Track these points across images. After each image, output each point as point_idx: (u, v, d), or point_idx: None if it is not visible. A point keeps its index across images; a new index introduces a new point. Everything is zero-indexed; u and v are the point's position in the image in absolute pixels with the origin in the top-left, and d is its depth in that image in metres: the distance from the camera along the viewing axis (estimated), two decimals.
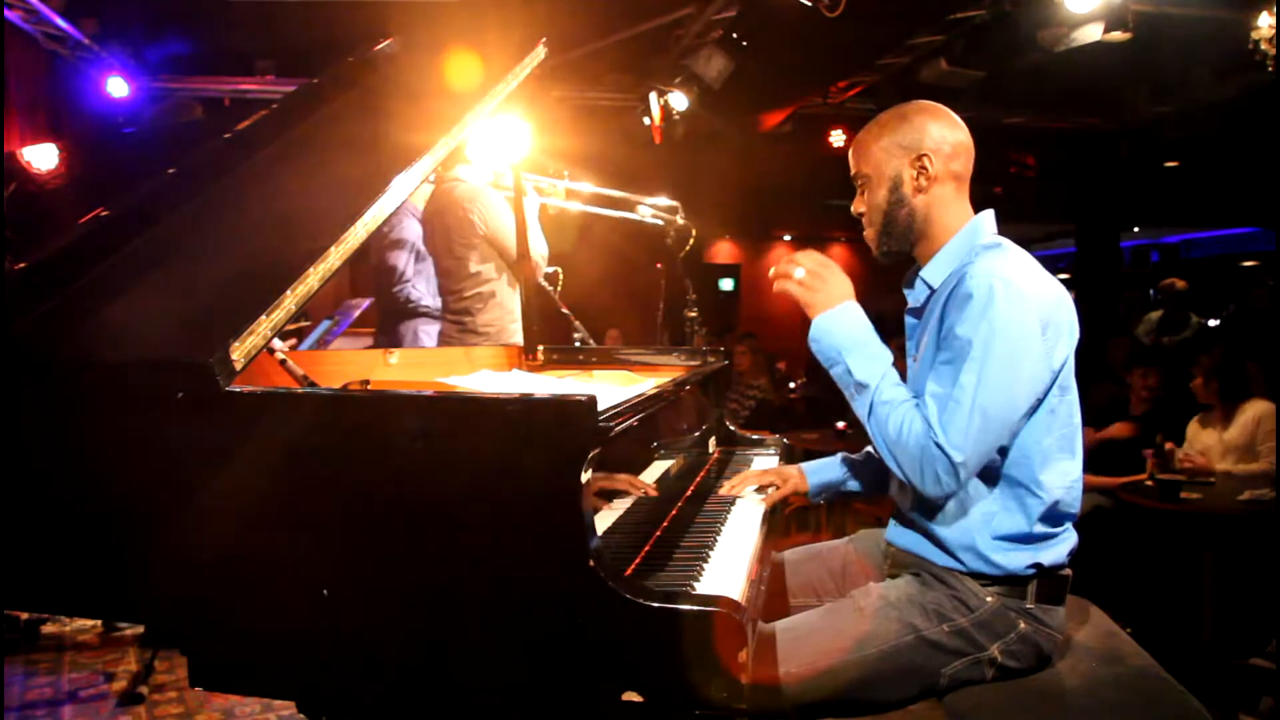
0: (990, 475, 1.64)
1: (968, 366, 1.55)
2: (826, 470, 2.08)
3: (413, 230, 3.99)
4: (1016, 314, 1.54)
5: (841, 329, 1.70)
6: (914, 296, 1.81)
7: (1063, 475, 1.65)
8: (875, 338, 1.70)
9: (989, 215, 1.75)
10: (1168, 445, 4.04)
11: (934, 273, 1.74)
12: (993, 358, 1.53)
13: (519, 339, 3.28)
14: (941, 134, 1.71)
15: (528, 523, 1.27)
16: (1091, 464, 4.28)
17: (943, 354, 1.61)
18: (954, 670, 1.61)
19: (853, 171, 1.80)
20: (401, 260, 4.13)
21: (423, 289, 4.11)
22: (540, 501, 1.27)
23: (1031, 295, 1.56)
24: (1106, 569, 3.83)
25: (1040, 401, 1.61)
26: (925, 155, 1.70)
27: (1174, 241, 14.39)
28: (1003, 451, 1.62)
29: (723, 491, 2.09)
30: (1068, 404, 1.66)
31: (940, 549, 1.68)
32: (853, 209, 1.82)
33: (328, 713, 1.49)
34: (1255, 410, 4.03)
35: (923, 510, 1.70)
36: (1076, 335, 1.66)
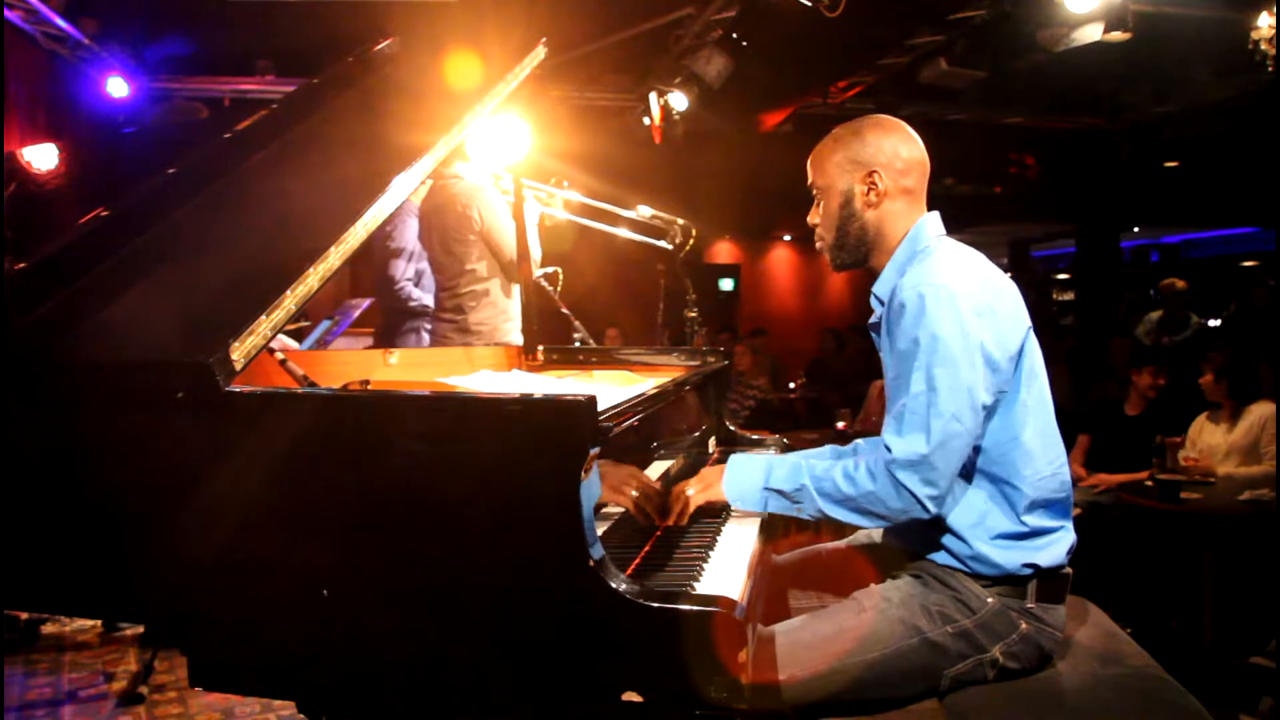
0: (975, 475, 1.65)
1: (915, 375, 1.57)
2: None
3: (413, 230, 3.99)
4: (949, 312, 1.56)
5: (744, 475, 1.72)
6: (875, 312, 1.83)
7: (1047, 464, 1.66)
8: (769, 458, 1.74)
9: (932, 218, 1.77)
10: (1171, 440, 4.03)
11: (882, 286, 1.77)
12: (937, 358, 1.55)
13: (513, 338, 3.28)
14: (894, 149, 1.73)
15: (528, 523, 1.27)
16: (1090, 465, 4.31)
17: (894, 370, 1.64)
18: (956, 671, 1.61)
19: (809, 181, 1.83)
20: (401, 260, 4.13)
21: (422, 289, 4.12)
22: (540, 501, 1.27)
23: (961, 291, 1.58)
24: (1106, 569, 3.84)
25: (1006, 393, 1.62)
26: (876, 171, 1.73)
27: (1174, 241, 14.39)
28: (981, 450, 1.63)
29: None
30: (1038, 392, 1.67)
31: (938, 551, 1.68)
32: (808, 219, 1.85)
33: (328, 713, 1.49)
34: (1261, 411, 4.01)
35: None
36: (1026, 321, 1.68)
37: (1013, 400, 1.64)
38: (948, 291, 1.57)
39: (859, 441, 2.08)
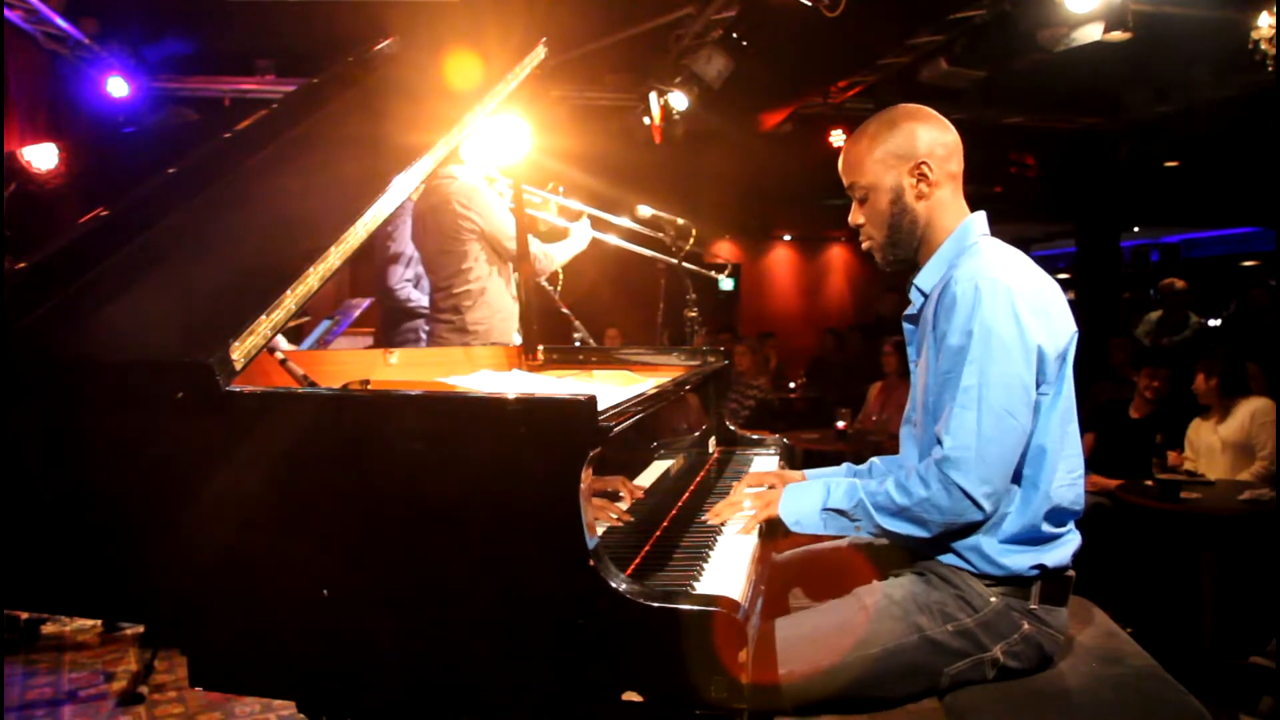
0: None
1: (968, 370, 1.56)
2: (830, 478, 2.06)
3: (411, 231, 3.99)
4: (1004, 308, 1.55)
5: (803, 501, 1.74)
6: (913, 303, 1.82)
7: (1068, 472, 1.66)
8: (824, 478, 1.77)
9: (979, 217, 1.76)
10: (1171, 455, 4.03)
11: (926, 279, 1.76)
12: (991, 355, 1.55)
13: (509, 338, 3.28)
14: (933, 137, 1.72)
15: (528, 522, 1.27)
16: (1093, 464, 4.30)
17: (941, 365, 1.62)
18: (956, 670, 1.61)
19: (847, 183, 1.79)
20: (399, 266, 4.13)
21: (420, 291, 4.12)
22: (540, 501, 1.27)
23: (1015, 288, 1.57)
24: (1107, 569, 3.84)
25: (1051, 396, 1.62)
26: (924, 162, 1.70)
27: (1174, 241, 14.38)
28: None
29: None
30: (1068, 399, 1.67)
31: (944, 549, 1.68)
32: (850, 220, 1.82)
33: (328, 713, 1.49)
34: (1251, 406, 4.03)
35: None
36: (1073, 326, 1.67)
37: (1051, 404, 1.63)
38: (1004, 287, 1.56)
39: (875, 460, 2.07)
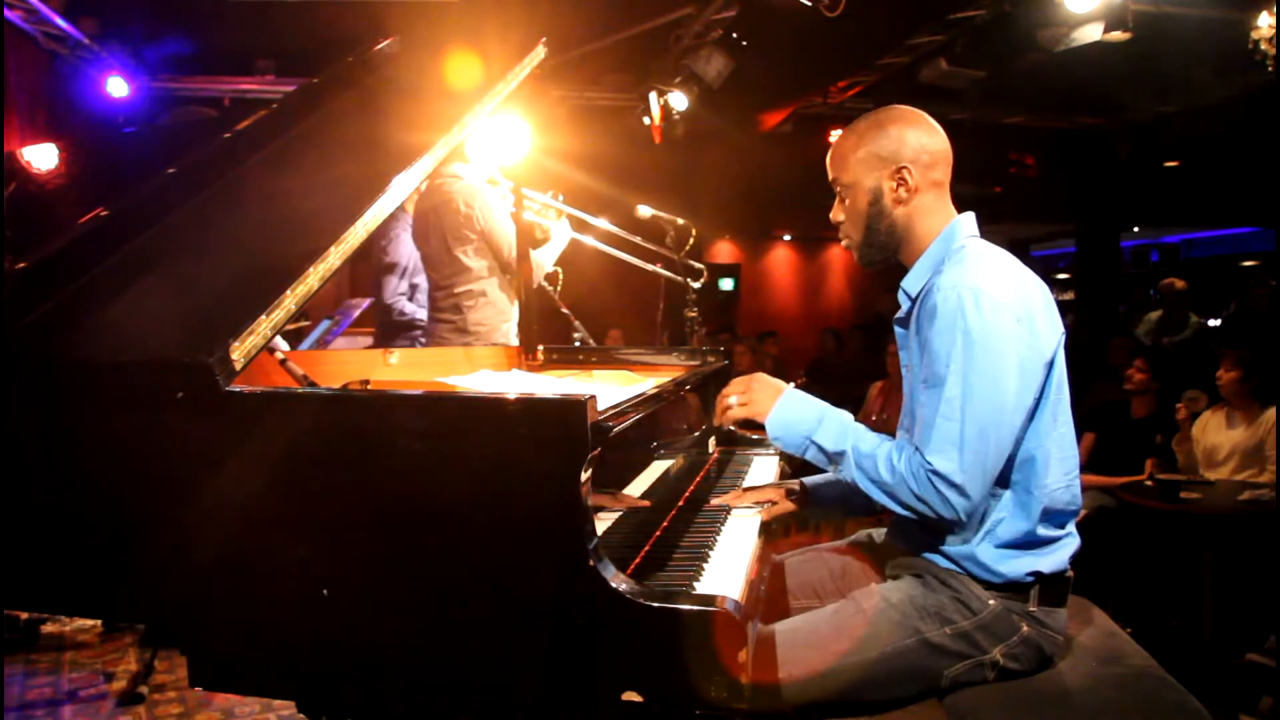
0: (998, 482, 1.62)
1: (951, 380, 1.54)
2: (829, 488, 2.04)
3: (407, 244, 3.99)
4: (989, 318, 1.53)
5: (794, 415, 1.70)
6: (902, 307, 1.81)
7: (1063, 474, 1.64)
8: (828, 408, 1.70)
9: (967, 219, 1.73)
10: (1178, 434, 3.97)
11: (913, 282, 1.74)
12: (975, 366, 1.52)
13: (510, 339, 3.28)
14: (920, 143, 1.69)
15: (528, 522, 1.27)
16: (1093, 464, 4.30)
17: (925, 374, 1.60)
18: (955, 672, 1.61)
19: (830, 178, 1.77)
20: (394, 277, 4.13)
21: (416, 304, 4.12)
22: (540, 501, 1.27)
23: (999, 296, 1.54)
24: (1107, 569, 3.84)
25: (1039, 401, 1.60)
26: (905, 167, 1.68)
27: (1174, 241, 14.39)
28: (1009, 458, 1.60)
29: (716, 501, 2.02)
30: (1063, 402, 1.66)
31: (941, 555, 1.68)
32: (831, 217, 1.80)
33: (328, 713, 1.49)
34: (1272, 416, 3.90)
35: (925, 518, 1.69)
36: (1060, 327, 1.65)
37: (1041, 408, 1.61)
38: (988, 296, 1.53)
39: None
